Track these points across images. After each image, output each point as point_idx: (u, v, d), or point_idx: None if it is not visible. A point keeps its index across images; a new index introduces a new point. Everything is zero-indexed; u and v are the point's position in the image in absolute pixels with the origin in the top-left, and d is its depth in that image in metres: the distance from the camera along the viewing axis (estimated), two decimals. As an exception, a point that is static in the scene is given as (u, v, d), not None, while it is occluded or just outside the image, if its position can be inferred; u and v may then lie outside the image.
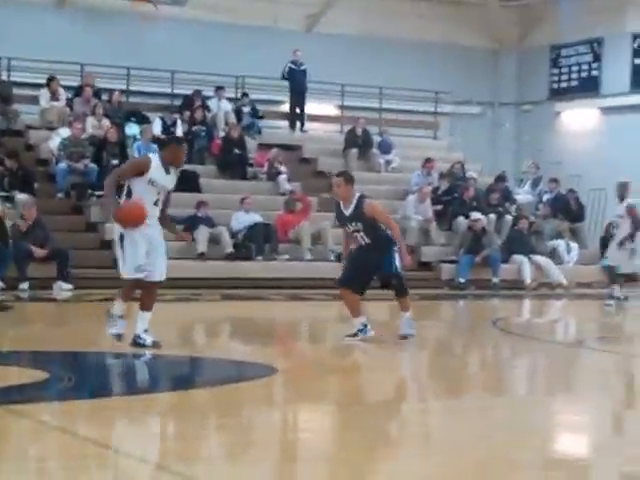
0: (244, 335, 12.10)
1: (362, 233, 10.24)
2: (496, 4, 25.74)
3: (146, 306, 9.41)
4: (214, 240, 18.08)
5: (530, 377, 9.60)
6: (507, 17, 26.34)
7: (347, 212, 10.28)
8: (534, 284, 19.46)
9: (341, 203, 10.35)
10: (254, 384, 8.30)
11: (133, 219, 9.11)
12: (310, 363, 9.75)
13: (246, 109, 22.27)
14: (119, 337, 9.46)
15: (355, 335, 10.45)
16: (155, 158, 9.32)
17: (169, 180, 9.38)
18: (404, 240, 11.31)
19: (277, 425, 6.90)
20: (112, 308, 9.42)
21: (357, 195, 10.33)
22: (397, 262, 10.26)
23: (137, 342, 9.40)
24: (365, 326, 10.46)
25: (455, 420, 7.07)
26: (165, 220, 9.54)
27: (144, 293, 9.46)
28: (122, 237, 9.25)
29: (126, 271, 9.27)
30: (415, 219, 20.05)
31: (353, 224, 10.25)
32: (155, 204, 9.27)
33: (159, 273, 9.39)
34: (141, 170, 9.20)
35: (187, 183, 19.55)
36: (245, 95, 22.43)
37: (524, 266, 19.54)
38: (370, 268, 10.32)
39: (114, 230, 9.45)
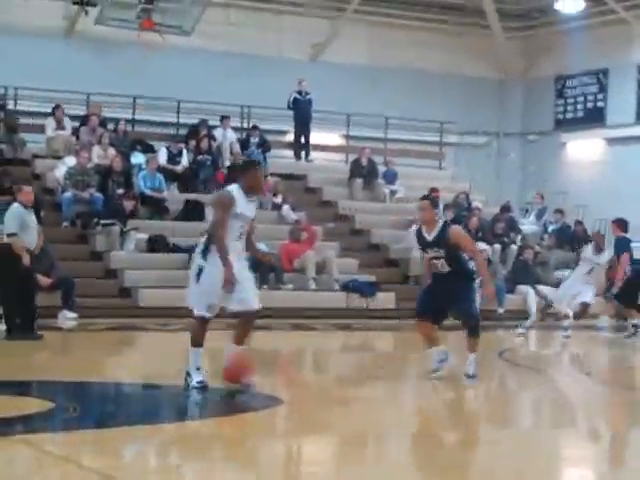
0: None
1: (442, 260, 9.90)
2: (501, 34, 25.84)
3: (239, 340, 8.93)
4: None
5: (537, 409, 9.54)
6: (512, 47, 26.43)
7: (430, 237, 9.96)
8: (539, 315, 19.39)
9: (423, 227, 10.06)
10: (259, 415, 8.26)
11: (237, 377, 8.79)
12: (315, 394, 9.70)
13: (254, 140, 22.25)
14: (202, 385, 8.94)
15: (437, 370, 10.10)
16: (235, 189, 8.82)
17: (251, 209, 8.93)
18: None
19: (281, 457, 6.85)
20: (190, 367, 8.95)
21: (442, 220, 10.13)
22: (476, 301, 9.97)
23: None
24: (446, 355, 10.13)
25: (464, 452, 7.03)
26: (252, 248, 9.17)
27: (240, 326, 8.97)
28: (200, 271, 8.74)
29: (195, 306, 8.83)
30: (417, 249, 20.02)
31: (435, 250, 9.92)
32: (239, 238, 8.80)
33: (254, 302, 8.90)
34: (230, 208, 8.73)
35: (192, 212, 19.62)
36: (255, 128, 22.41)
37: (529, 296, 19.48)
38: (445, 298, 9.94)
39: (194, 261, 8.90)
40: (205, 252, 8.80)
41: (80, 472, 6.04)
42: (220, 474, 6.33)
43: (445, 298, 9.92)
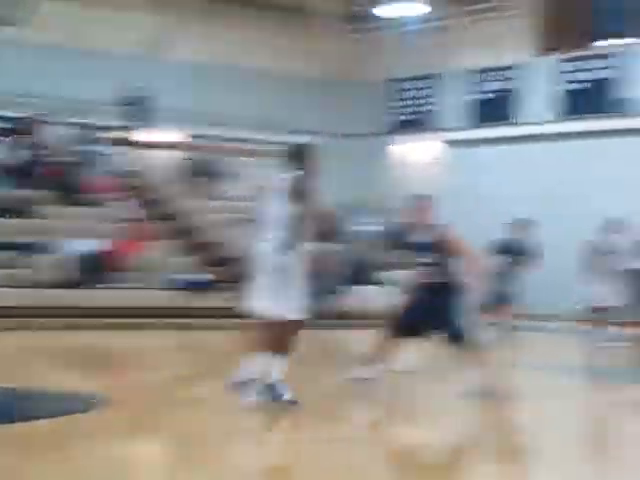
0: (76, 365, 11.78)
1: (431, 268, 9.20)
2: (334, 36, 26.07)
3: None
4: (49, 267, 17.64)
5: (365, 408, 9.61)
6: (345, 49, 26.68)
7: (419, 239, 9.29)
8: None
9: (414, 228, 9.41)
10: (84, 417, 8.04)
11: None
12: (144, 394, 9.52)
13: (88, 137, 21.87)
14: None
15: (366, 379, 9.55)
16: None
17: None
18: None
19: (105, 459, 6.66)
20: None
21: (437, 223, 9.38)
22: (461, 315, 9.21)
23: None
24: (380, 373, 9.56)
25: (292, 450, 7.01)
26: None
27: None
28: (285, 268, 8.21)
29: (289, 311, 8.31)
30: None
31: (423, 254, 9.22)
32: None
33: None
34: None
35: (20, 209, 19.10)
36: (88, 126, 21.98)
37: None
38: (427, 312, 9.23)
39: (269, 260, 8.30)
40: (285, 248, 8.32)
41: None
42: (41, 477, 6.10)
43: (428, 312, 9.23)
